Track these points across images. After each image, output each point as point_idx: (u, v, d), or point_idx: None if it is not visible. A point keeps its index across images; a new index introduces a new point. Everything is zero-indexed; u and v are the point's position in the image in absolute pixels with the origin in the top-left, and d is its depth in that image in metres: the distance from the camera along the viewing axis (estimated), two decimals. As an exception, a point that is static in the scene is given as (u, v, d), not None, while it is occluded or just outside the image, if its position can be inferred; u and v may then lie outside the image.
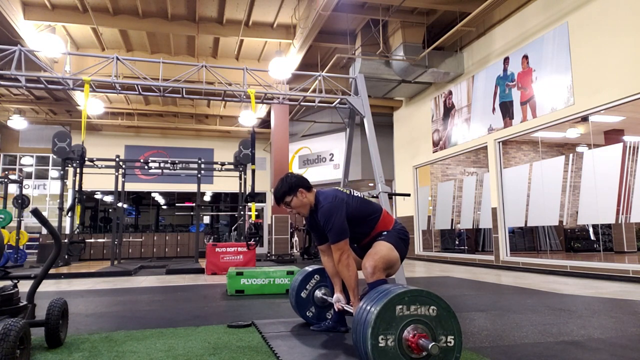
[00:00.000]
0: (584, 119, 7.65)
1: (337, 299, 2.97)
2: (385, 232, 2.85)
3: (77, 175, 9.86)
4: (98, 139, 16.42)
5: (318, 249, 3.12)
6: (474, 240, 11.72)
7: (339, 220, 2.70)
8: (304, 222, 15.56)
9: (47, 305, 2.76)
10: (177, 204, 19.14)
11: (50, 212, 15.94)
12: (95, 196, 18.02)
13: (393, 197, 12.87)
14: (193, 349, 2.72)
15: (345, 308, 2.91)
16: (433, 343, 1.91)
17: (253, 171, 7.80)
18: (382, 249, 2.72)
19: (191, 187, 14.38)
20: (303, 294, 3.33)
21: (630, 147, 6.89)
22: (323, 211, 2.75)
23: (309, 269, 3.41)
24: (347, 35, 10.44)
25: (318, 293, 3.33)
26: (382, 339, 1.94)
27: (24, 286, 2.91)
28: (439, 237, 12.64)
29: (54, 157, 15.18)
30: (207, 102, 15.11)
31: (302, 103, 7.74)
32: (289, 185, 2.84)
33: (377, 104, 13.14)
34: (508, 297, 5.11)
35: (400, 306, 1.99)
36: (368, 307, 2.05)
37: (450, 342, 2.01)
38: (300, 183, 2.86)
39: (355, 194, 2.93)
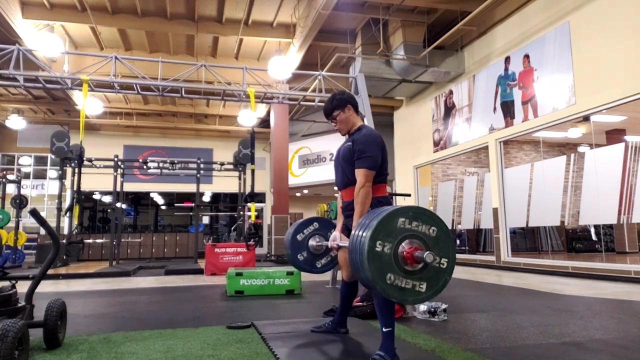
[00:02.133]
0: (586, 118, 7.63)
1: (334, 238, 2.92)
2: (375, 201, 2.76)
3: (76, 175, 9.84)
4: (96, 138, 16.38)
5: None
6: (474, 241, 11.71)
7: (377, 152, 2.70)
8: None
9: (46, 306, 2.75)
10: (176, 204, 19.11)
11: (49, 213, 15.89)
12: (94, 196, 17.99)
13: (393, 197, 12.84)
14: (192, 350, 2.71)
15: (340, 244, 2.85)
16: (428, 252, 1.96)
17: (252, 171, 7.78)
18: None
19: (190, 187, 14.34)
20: (299, 237, 3.35)
21: (632, 147, 6.88)
22: (367, 136, 2.74)
23: (296, 223, 3.43)
24: (347, 34, 10.42)
25: (312, 242, 3.33)
26: (379, 244, 1.99)
27: (23, 287, 2.90)
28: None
29: (52, 157, 15.13)
30: (206, 101, 15.08)
31: (301, 102, 7.73)
32: (339, 101, 2.91)
33: (378, 104, 13.11)
34: (509, 297, 5.10)
35: (403, 219, 2.04)
36: (368, 220, 2.08)
37: (443, 264, 2.07)
38: (350, 100, 2.94)
39: None
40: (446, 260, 2.07)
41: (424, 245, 2.03)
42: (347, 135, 2.97)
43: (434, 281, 2.04)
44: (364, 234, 2.03)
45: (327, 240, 3.24)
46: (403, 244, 2.01)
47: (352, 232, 2.19)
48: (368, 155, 2.67)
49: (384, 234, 2.00)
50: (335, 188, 3.09)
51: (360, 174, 2.67)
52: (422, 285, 2.02)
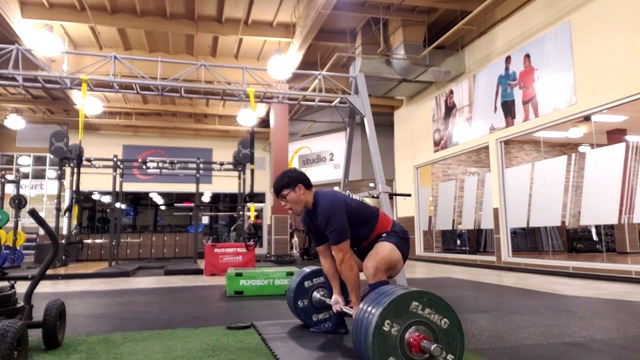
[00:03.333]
0: (587, 118, 7.62)
1: (336, 301, 2.95)
2: (384, 234, 2.82)
3: (75, 175, 9.82)
4: (96, 138, 16.36)
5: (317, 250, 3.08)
6: (475, 241, 11.70)
7: (340, 221, 2.66)
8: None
9: (45, 307, 2.74)
10: (175, 204, 19.10)
11: (48, 213, 15.87)
12: (93, 196, 17.98)
13: (394, 197, 12.83)
14: (192, 351, 2.70)
15: (344, 310, 2.87)
16: (436, 345, 1.88)
17: (252, 171, 7.77)
18: (384, 250, 2.69)
19: (190, 187, 14.35)
20: (306, 284, 3.30)
21: (633, 147, 6.86)
22: (323, 212, 2.70)
23: (298, 277, 3.36)
24: (347, 34, 10.41)
25: (317, 294, 3.30)
26: (387, 324, 1.92)
27: (21, 287, 2.88)
28: (440, 238, 12.61)
29: (51, 156, 15.12)
30: (206, 101, 15.07)
31: (301, 102, 7.70)
32: (289, 179, 2.83)
33: (378, 103, 13.10)
34: (510, 298, 5.09)
35: (417, 303, 1.97)
36: (369, 308, 2.02)
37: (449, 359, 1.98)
38: (301, 179, 2.84)
39: (352, 196, 2.92)
40: (452, 357, 1.98)
41: (432, 336, 1.95)
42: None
43: None
44: (373, 310, 1.97)
45: (328, 293, 3.21)
46: (411, 329, 1.94)
47: (360, 305, 2.13)
48: (332, 230, 2.66)
49: (394, 314, 1.94)
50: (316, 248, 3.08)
51: (334, 250, 2.70)
52: None
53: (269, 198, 16.44)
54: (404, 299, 1.96)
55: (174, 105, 15.23)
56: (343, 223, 2.67)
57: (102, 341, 2.97)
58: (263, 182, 16.77)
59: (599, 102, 6.93)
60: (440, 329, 1.98)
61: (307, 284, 3.31)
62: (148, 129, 17.00)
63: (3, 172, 14.96)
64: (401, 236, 2.83)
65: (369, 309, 2.01)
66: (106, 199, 17.69)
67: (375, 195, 6.19)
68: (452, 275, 7.84)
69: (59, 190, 10.44)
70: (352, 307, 2.79)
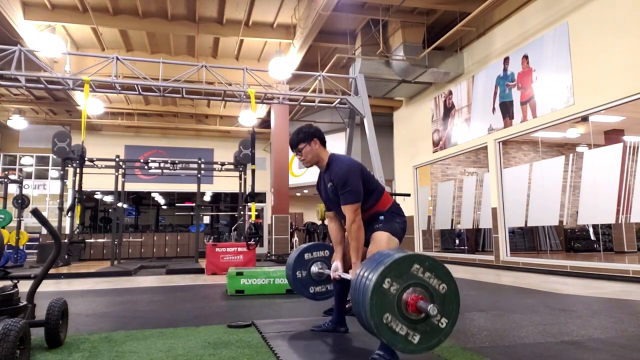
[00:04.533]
0: (584, 119, 7.65)
1: (336, 268, 2.93)
2: (382, 217, 2.86)
3: (77, 175, 9.87)
4: (98, 139, 16.40)
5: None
6: (474, 240, 11.72)
7: (356, 182, 2.71)
8: (303, 223, 15.52)
9: (47, 306, 2.76)
10: (177, 204, 19.12)
11: (50, 212, 15.93)
12: (95, 196, 18.01)
13: (393, 197, 12.84)
14: (193, 349, 2.72)
15: (342, 276, 2.88)
16: (433, 305, 1.93)
17: (253, 171, 7.81)
18: (382, 242, 2.74)
19: (191, 187, 14.36)
20: (306, 256, 3.36)
21: (630, 147, 6.89)
22: (341, 172, 2.75)
23: (298, 249, 3.43)
24: (347, 35, 10.43)
25: (315, 268, 3.34)
26: (387, 282, 1.97)
27: (24, 286, 2.90)
28: (439, 237, 12.63)
29: (54, 157, 15.18)
30: (207, 102, 15.10)
31: (302, 103, 7.75)
32: (305, 134, 2.92)
33: (377, 104, 13.13)
34: (508, 297, 5.11)
35: (418, 266, 2.02)
36: (371, 266, 2.06)
37: (442, 324, 2.03)
38: (317, 134, 2.94)
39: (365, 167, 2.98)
40: (446, 321, 2.03)
41: (430, 299, 1.99)
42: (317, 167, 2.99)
43: (428, 337, 2.01)
44: (374, 269, 2.01)
45: (326, 266, 3.25)
46: (410, 290, 1.99)
47: (356, 271, 2.17)
48: (348, 190, 2.70)
49: (395, 274, 1.98)
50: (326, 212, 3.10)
51: (346, 210, 2.72)
52: (415, 336, 1.98)
53: (270, 198, 16.47)
54: (406, 261, 2.02)
55: (175, 106, 15.26)
56: (359, 185, 2.72)
57: (104, 340, 3.00)
58: (264, 183, 16.79)
59: (596, 102, 6.95)
60: (438, 293, 2.02)
61: (307, 256, 3.36)
62: (150, 129, 17.03)
63: (6, 172, 15.02)
64: (397, 220, 2.89)
65: (371, 267, 2.06)
66: (108, 199, 17.72)
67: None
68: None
69: (61, 190, 10.49)
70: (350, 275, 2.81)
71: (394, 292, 1.97)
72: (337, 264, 2.94)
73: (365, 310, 1.96)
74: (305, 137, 2.91)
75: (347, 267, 2.94)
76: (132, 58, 9.37)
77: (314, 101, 7.58)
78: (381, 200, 2.90)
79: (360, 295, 2.03)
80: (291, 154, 15.60)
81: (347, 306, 3.21)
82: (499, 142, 9.26)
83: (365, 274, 2.05)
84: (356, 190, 2.71)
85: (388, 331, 1.95)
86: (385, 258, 2.04)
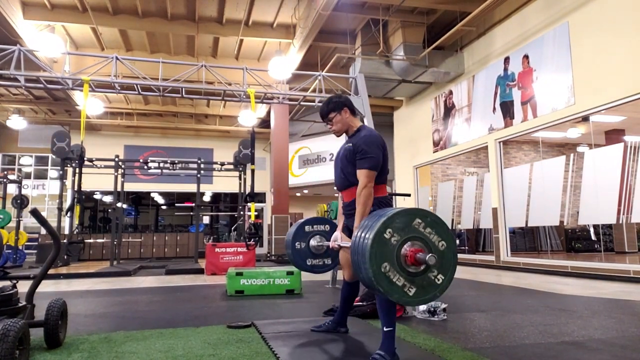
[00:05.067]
0: (585, 118, 7.64)
1: (335, 238, 2.93)
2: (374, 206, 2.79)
3: (76, 175, 9.84)
4: (97, 138, 16.39)
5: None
6: (474, 241, 11.71)
7: (378, 153, 2.72)
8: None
9: (46, 306, 2.76)
10: (176, 204, 19.12)
11: (49, 212, 15.91)
12: (95, 196, 18.01)
13: (393, 197, 12.84)
14: (193, 350, 2.72)
15: (341, 245, 2.86)
16: (430, 254, 1.96)
17: (253, 171, 7.80)
18: None
19: (191, 187, 14.36)
20: (307, 228, 3.36)
21: (631, 147, 6.89)
22: (367, 138, 2.76)
23: (299, 221, 3.44)
24: (347, 35, 10.43)
25: (314, 241, 3.34)
26: (389, 232, 1.99)
27: (23, 286, 2.90)
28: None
29: (53, 157, 15.15)
30: (206, 101, 15.09)
31: (302, 103, 7.74)
32: (335, 104, 2.95)
33: (377, 104, 13.12)
34: (508, 297, 5.11)
35: (420, 221, 2.04)
36: (373, 218, 2.09)
37: (438, 279, 2.05)
38: (347, 103, 2.98)
39: None
40: (443, 277, 2.05)
41: (428, 253, 2.02)
42: (345, 137, 2.99)
43: (424, 291, 2.02)
44: (376, 219, 2.04)
45: (325, 239, 3.26)
46: (410, 242, 2.01)
47: (355, 232, 2.18)
48: (370, 156, 2.69)
49: (397, 226, 2.01)
50: (335, 188, 3.10)
51: (362, 174, 2.69)
52: (411, 288, 2.00)
53: (269, 198, 16.47)
54: (409, 214, 2.05)
55: (175, 105, 15.25)
56: (379, 156, 2.72)
57: (104, 340, 2.99)
58: (263, 182, 16.78)
59: (597, 102, 6.95)
60: (437, 249, 2.04)
61: (307, 228, 3.37)
62: (149, 129, 17.03)
63: (5, 172, 15.00)
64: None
65: (373, 218, 2.09)
66: (108, 199, 17.72)
67: (374, 196, 6.21)
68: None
69: (60, 190, 10.48)
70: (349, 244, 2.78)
71: (394, 242, 2.00)
72: (337, 234, 2.94)
73: (365, 259, 1.98)
74: (336, 107, 2.94)
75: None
76: (131, 58, 9.36)
77: (314, 101, 7.57)
78: (382, 188, 2.84)
79: (360, 247, 2.05)
80: (291, 153, 15.60)
81: (357, 301, 3.20)
82: (500, 142, 9.26)
83: (366, 230, 2.07)
84: (376, 159, 2.70)
85: (385, 280, 1.97)
86: (387, 211, 2.07)
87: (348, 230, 2.90)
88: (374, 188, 2.72)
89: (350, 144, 2.83)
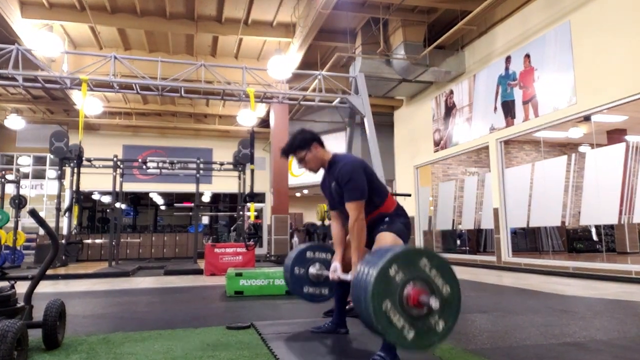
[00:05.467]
0: (587, 118, 7.62)
1: (334, 268, 2.87)
2: (387, 218, 2.80)
3: (75, 175, 9.82)
4: (96, 138, 16.35)
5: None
6: (475, 241, 11.69)
7: (361, 180, 2.66)
8: (303, 224, 15.49)
9: (45, 307, 2.74)
10: (175, 204, 19.09)
11: (48, 213, 15.87)
12: (93, 196, 17.98)
13: (394, 197, 12.81)
14: (192, 351, 2.70)
15: (341, 277, 2.82)
16: (434, 296, 1.90)
17: (252, 171, 7.79)
18: (387, 242, 2.69)
19: (190, 187, 14.34)
20: (308, 254, 3.30)
21: (633, 147, 6.87)
22: (345, 168, 2.69)
23: (301, 246, 3.38)
24: (347, 34, 10.40)
25: (313, 269, 3.29)
26: (394, 269, 1.93)
27: (21, 287, 2.88)
28: (440, 238, 12.60)
29: (52, 157, 15.12)
30: (206, 101, 15.07)
31: (301, 102, 7.72)
32: (302, 141, 2.83)
33: (378, 103, 13.09)
34: (510, 298, 5.09)
35: (426, 261, 1.99)
36: (379, 254, 2.04)
37: (439, 326, 1.99)
38: (315, 137, 2.87)
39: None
40: (443, 324, 1.98)
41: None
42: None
43: (423, 336, 1.95)
44: (383, 255, 1.99)
45: (325, 267, 3.21)
46: (414, 283, 1.96)
47: (358, 267, 2.12)
48: (353, 186, 2.64)
49: (403, 263, 1.95)
50: (330, 211, 3.04)
51: (350, 208, 2.65)
52: (410, 332, 1.93)
53: (269, 198, 16.45)
54: (416, 253, 2.01)
55: (174, 105, 15.23)
56: (363, 182, 2.66)
57: (102, 341, 2.97)
58: (263, 182, 16.77)
59: (599, 102, 6.93)
60: (441, 294, 1.98)
61: (308, 254, 3.30)
62: (148, 129, 17.00)
63: (3, 172, 14.95)
64: (402, 221, 2.83)
65: (378, 255, 2.03)
66: (106, 199, 17.69)
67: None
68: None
69: (59, 190, 10.45)
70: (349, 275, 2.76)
71: (399, 281, 1.94)
72: (336, 264, 2.88)
73: (367, 293, 1.92)
74: (305, 144, 2.81)
75: (346, 270, 2.89)
76: (130, 57, 9.33)
77: (313, 100, 7.55)
78: (386, 203, 2.84)
79: (363, 281, 1.99)
80: (291, 153, 15.56)
81: (347, 307, 3.18)
82: (501, 142, 9.23)
83: (370, 265, 2.01)
84: (360, 187, 2.65)
85: (385, 319, 1.91)
86: (394, 247, 2.05)
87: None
88: (383, 205, 2.75)
89: (334, 182, 2.78)
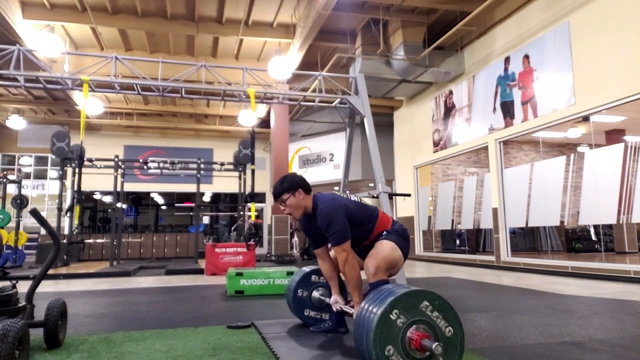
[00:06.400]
0: (585, 118, 7.63)
1: (335, 301, 2.97)
2: (385, 232, 2.85)
3: (76, 175, 9.85)
4: (97, 138, 16.39)
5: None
6: (474, 241, 11.71)
7: (341, 222, 2.69)
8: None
9: (46, 306, 2.75)
10: (176, 204, 19.10)
11: (49, 213, 15.90)
12: (94, 196, 18.00)
13: (393, 197, 12.84)
14: (192, 350, 2.71)
15: (344, 309, 2.89)
16: (437, 343, 1.89)
17: (253, 171, 7.80)
18: (385, 249, 2.73)
19: (190, 187, 14.35)
20: (313, 278, 3.32)
21: (631, 147, 6.88)
22: (323, 214, 2.73)
23: (306, 269, 3.40)
24: (347, 34, 10.42)
25: (316, 293, 3.31)
26: (395, 313, 1.94)
27: (23, 287, 2.89)
28: (439, 238, 12.62)
29: (53, 157, 15.13)
30: (206, 101, 15.09)
31: (302, 103, 7.72)
32: (290, 184, 2.85)
33: (377, 104, 13.11)
34: (509, 297, 5.10)
35: (427, 304, 1.99)
36: (379, 298, 2.03)
37: None
38: (302, 184, 2.87)
39: (351, 197, 2.95)
40: None
41: (434, 339, 1.96)
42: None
43: None
44: (383, 299, 1.99)
45: (327, 293, 3.24)
46: (416, 326, 1.96)
47: (362, 304, 2.14)
48: (335, 231, 2.69)
49: (404, 307, 1.95)
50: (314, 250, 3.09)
51: (337, 251, 2.73)
52: None
53: (269, 198, 16.46)
54: (417, 295, 1.99)
55: (174, 105, 15.24)
56: (343, 224, 2.70)
57: (104, 340, 2.98)
58: (263, 183, 16.79)
59: (597, 102, 6.94)
60: (443, 335, 1.98)
61: (313, 278, 3.33)
62: (149, 129, 17.02)
63: (5, 172, 15.00)
64: (401, 234, 2.86)
65: (379, 298, 2.02)
66: (107, 199, 17.71)
67: (375, 195, 6.22)
68: (451, 275, 7.85)
69: (60, 190, 10.47)
70: (352, 307, 2.81)
71: (400, 325, 1.94)
72: (335, 297, 2.98)
73: (369, 339, 1.92)
74: (290, 187, 2.84)
75: (346, 300, 2.99)
76: (131, 57, 9.35)
77: (313, 101, 7.56)
78: (379, 223, 2.87)
79: (364, 325, 2.00)
80: (291, 153, 15.60)
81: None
82: (500, 142, 9.25)
83: (371, 307, 2.02)
84: (342, 230, 2.69)
85: None
86: (397, 289, 2.02)
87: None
88: (376, 225, 2.81)
89: (318, 226, 2.82)
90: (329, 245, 2.85)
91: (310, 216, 2.91)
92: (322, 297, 3.26)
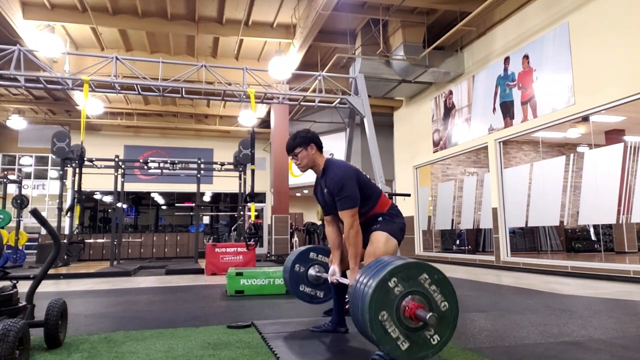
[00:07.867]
0: (585, 118, 7.64)
1: (333, 272, 2.94)
2: (380, 218, 2.89)
3: (77, 175, 9.84)
4: (97, 138, 16.39)
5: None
6: (474, 241, 11.71)
7: (352, 188, 2.73)
8: (303, 224, 15.51)
9: (46, 306, 2.75)
10: (176, 204, 19.11)
11: (50, 212, 15.91)
12: (95, 196, 18.00)
13: (393, 197, 12.84)
14: (192, 350, 2.72)
15: (340, 280, 2.89)
16: (431, 314, 1.92)
17: (253, 171, 7.80)
18: (380, 243, 2.78)
19: (191, 187, 14.37)
20: (312, 255, 3.37)
21: (631, 147, 6.88)
22: (337, 178, 2.77)
23: (303, 247, 3.44)
24: (347, 35, 10.43)
25: (312, 271, 3.33)
26: (394, 281, 1.97)
27: (23, 287, 2.90)
28: (439, 238, 12.62)
29: (53, 157, 15.13)
30: (206, 102, 15.09)
31: (302, 103, 7.74)
32: (303, 138, 2.95)
33: (377, 104, 13.12)
34: (508, 297, 5.11)
35: (426, 276, 2.02)
36: (380, 266, 2.05)
37: (433, 340, 2.01)
38: (314, 139, 2.97)
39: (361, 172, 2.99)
40: (439, 338, 2.01)
41: (429, 310, 1.98)
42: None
43: (417, 349, 1.98)
44: (384, 266, 2.01)
45: (324, 269, 3.26)
46: (412, 296, 1.98)
47: (357, 276, 2.16)
48: (345, 195, 2.72)
49: (403, 277, 1.98)
50: (324, 216, 3.11)
51: (344, 215, 2.74)
52: (404, 343, 1.96)
53: (269, 198, 16.48)
54: (417, 267, 2.02)
55: (175, 105, 15.25)
56: (354, 190, 2.74)
57: (104, 340, 2.99)
58: (263, 183, 16.79)
59: (597, 102, 6.95)
60: (438, 309, 2.01)
61: (312, 255, 3.38)
62: (149, 129, 17.02)
63: (5, 172, 15.01)
64: (395, 221, 2.91)
65: (380, 266, 2.05)
66: (108, 199, 17.71)
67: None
68: (451, 275, 7.85)
69: (60, 190, 10.48)
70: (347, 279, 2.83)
71: (397, 293, 1.97)
72: (334, 268, 2.95)
73: (364, 302, 1.95)
74: (302, 142, 2.93)
75: (344, 271, 2.97)
76: (131, 58, 9.36)
77: (313, 101, 7.58)
78: (379, 203, 2.92)
79: (361, 290, 2.02)
80: (291, 154, 15.59)
81: (346, 307, 3.21)
82: (500, 142, 9.25)
83: (371, 273, 2.04)
84: (353, 196, 2.73)
85: (380, 329, 1.94)
86: (396, 260, 2.04)
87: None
88: (377, 204, 2.83)
89: (326, 189, 2.86)
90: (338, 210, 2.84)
91: (320, 180, 2.96)
92: (319, 274, 3.30)
